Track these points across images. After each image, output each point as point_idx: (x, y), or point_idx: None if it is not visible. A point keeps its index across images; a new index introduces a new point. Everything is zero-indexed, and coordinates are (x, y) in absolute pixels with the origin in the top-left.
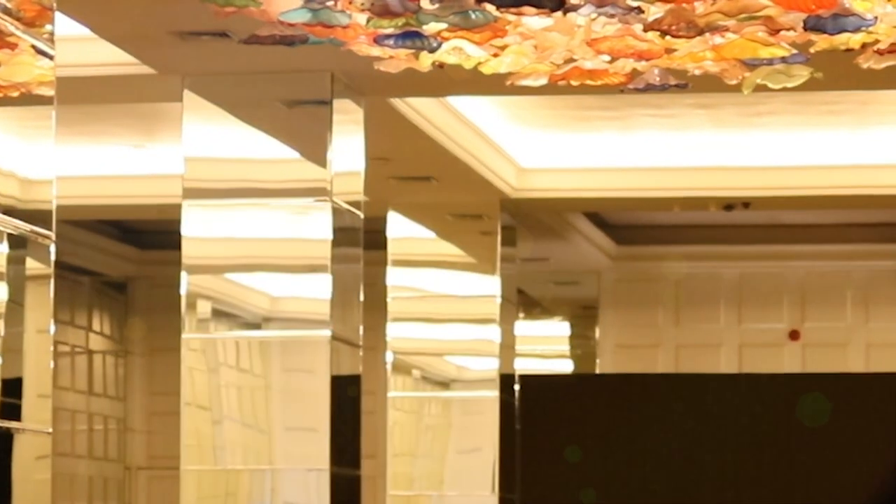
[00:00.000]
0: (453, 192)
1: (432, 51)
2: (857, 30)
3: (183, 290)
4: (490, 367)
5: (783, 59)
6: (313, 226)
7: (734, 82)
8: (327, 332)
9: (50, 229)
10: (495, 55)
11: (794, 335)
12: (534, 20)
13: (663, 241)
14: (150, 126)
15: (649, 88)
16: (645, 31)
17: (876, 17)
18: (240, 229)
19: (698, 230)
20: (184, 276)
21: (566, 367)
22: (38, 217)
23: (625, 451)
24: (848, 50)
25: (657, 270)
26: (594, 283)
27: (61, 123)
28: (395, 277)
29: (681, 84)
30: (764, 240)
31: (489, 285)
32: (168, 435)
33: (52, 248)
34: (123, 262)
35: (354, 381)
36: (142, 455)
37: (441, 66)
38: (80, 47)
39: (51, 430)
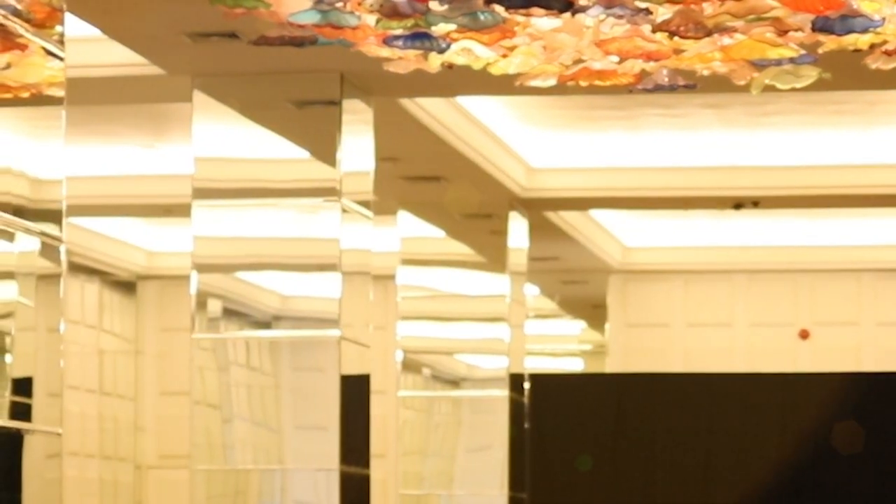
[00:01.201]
0: (468, 194)
1: (441, 52)
2: (864, 31)
3: (193, 290)
4: (500, 365)
5: (791, 60)
6: (323, 225)
7: (742, 83)
8: (337, 332)
9: (60, 229)
10: (504, 56)
11: (803, 334)
12: (542, 21)
13: (672, 239)
14: (160, 126)
15: (658, 89)
16: (653, 32)
17: (884, 19)
18: (249, 229)
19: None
20: (194, 275)
21: (576, 366)
22: (48, 217)
23: (634, 451)
24: (856, 51)
25: (667, 269)
26: (603, 281)
27: (71, 124)
28: (405, 276)
29: (689, 84)
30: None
31: (499, 284)
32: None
33: (63, 248)
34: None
35: (364, 380)
36: (152, 454)
37: (450, 66)
38: (89, 48)
39: (61, 430)
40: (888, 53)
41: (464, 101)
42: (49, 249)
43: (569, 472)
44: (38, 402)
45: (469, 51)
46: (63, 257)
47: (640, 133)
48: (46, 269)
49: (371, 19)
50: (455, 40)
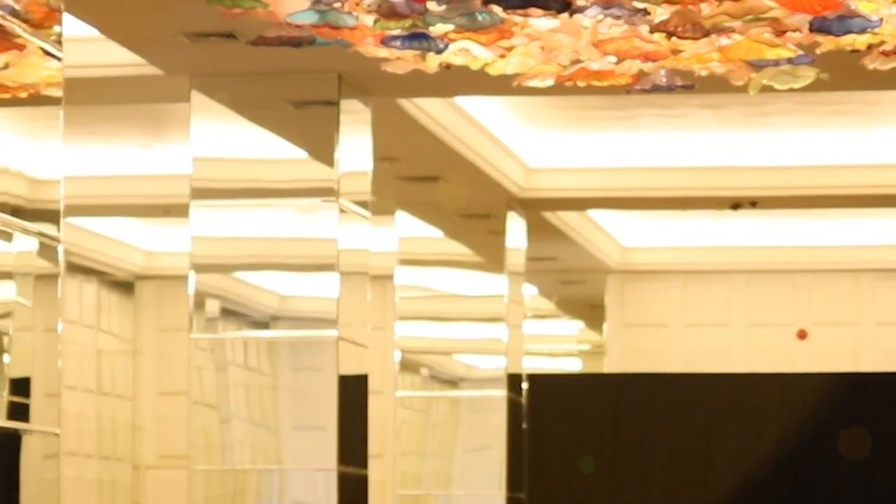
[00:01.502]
0: (461, 192)
1: (439, 52)
2: (862, 31)
3: (191, 290)
4: (498, 365)
5: (789, 60)
6: (321, 225)
7: (740, 83)
8: (335, 332)
9: (58, 229)
10: (502, 56)
11: (802, 334)
12: (540, 21)
13: (670, 239)
14: (158, 126)
15: (656, 89)
16: (651, 32)
17: (881, 19)
18: (247, 229)
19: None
20: (192, 275)
21: (574, 366)
22: (46, 217)
23: (632, 451)
24: (854, 51)
25: (665, 269)
26: (601, 282)
27: (69, 124)
28: (403, 276)
29: (687, 85)
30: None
31: (497, 284)
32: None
33: (61, 248)
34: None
35: (362, 380)
36: (150, 454)
37: (448, 67)
38: (88, 48)
39: (59, 430)
40: (886, 54)
41: (462, 101)
42: (47, 249)
43: (567, 472)
44: (36, 402)
45: (467, 51)
46: (61, 257)
47: (638, 133)
48: (44, 269)
49: (369, 19)
50: (453, 41)
